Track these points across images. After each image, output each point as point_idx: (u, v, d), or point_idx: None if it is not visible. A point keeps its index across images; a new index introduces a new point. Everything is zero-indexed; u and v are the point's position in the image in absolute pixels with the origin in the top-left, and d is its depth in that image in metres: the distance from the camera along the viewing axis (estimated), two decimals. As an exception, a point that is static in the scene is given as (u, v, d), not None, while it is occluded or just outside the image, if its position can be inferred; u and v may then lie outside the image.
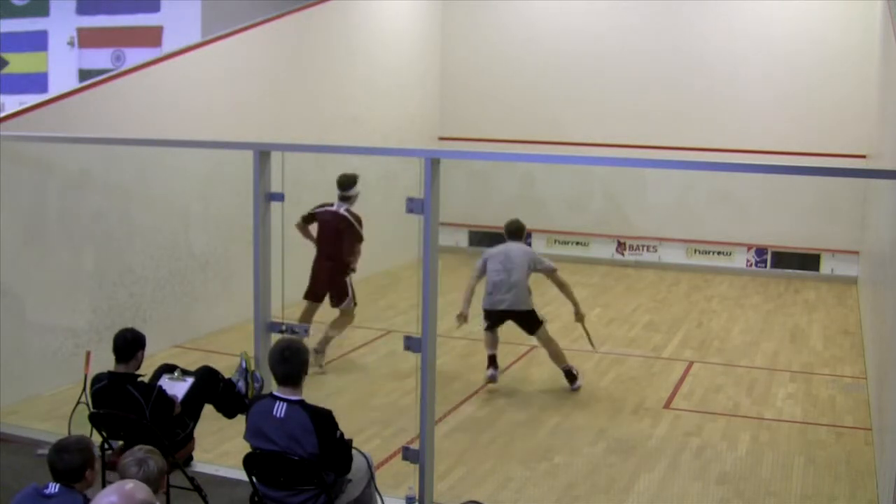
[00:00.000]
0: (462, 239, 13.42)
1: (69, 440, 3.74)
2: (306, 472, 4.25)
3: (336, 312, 8.14)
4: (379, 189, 10.24)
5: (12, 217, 6.87)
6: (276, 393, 4.36)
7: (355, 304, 8.10)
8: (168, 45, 11.27)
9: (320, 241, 8.06)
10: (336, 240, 7.97)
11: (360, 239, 8.05)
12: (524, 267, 7.40)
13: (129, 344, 5.03)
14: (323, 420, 4.27)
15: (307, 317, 8.01)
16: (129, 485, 3.21)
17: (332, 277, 8.01)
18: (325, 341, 8.00)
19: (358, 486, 4.62)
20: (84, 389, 5.17)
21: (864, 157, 11.37)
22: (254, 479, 4.39)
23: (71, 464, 3.62)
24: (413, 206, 4.97)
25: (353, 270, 8.14)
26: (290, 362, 4.32)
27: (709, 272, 12.47)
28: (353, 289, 8.11)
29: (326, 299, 8.09)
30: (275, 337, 5.36)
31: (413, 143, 12.46)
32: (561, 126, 12.83)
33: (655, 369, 8.24)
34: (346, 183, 8.06)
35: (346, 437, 4.40)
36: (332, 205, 8.05)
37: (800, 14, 12.05)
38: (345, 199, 8.05)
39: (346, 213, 7.99)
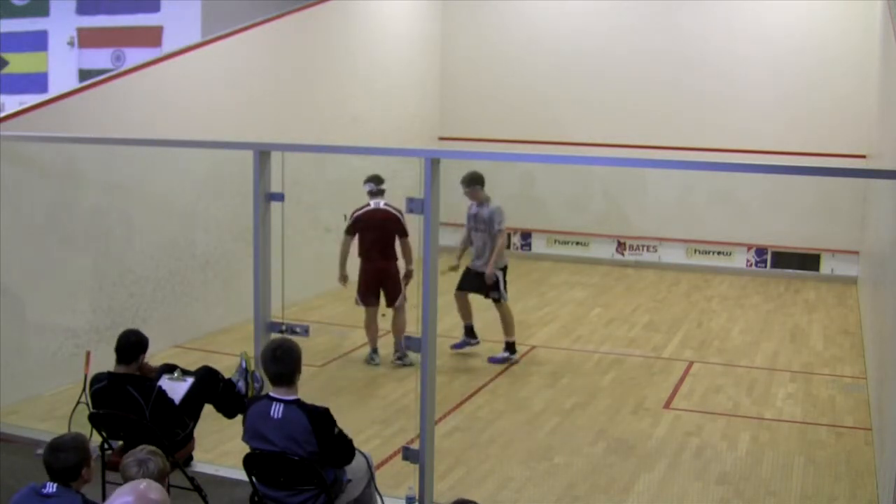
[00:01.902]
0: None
1: (64, 438, 3.70)
2: (306, 472, 4.25)
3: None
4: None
5: (12, 217, 6.86)
6: (271, 394, 4.34)
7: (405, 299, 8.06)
8: (168, 45, 11.27)
9: (369, 241, 7.96)
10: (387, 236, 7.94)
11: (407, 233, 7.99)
12: None
13: (132, 346, 5.04)
14: (320, 418, 4.26)
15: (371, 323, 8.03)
16: (143, 484, 3.21)
17: (389, 276, 7.97)
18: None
19: (358, 486, 4.62)
20: (84, 389, 5.17)
21: (864, 157, 11.36)
22: (254, 479, 4.39)
23: (67, 462, 3.60)
24: (413, 206, 4.97)
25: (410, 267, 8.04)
26: (283, 361, 4.30)
27: (709, 272, 12.46)
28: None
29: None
30: (275, 337, 5.36)
31: (413, 143, 12.45)
32: (561, 126, 12.82)
33: (655, 369, 8.24)
34: (379, 179, 8.05)
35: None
36: (368, 205, 7.99)
37: (800, 14, 12.05)
38: (381, 193, 8.03)
39: (388, 208, 7.94)
